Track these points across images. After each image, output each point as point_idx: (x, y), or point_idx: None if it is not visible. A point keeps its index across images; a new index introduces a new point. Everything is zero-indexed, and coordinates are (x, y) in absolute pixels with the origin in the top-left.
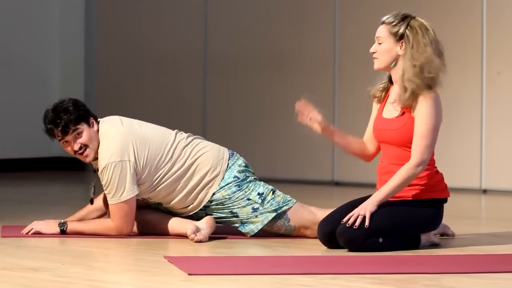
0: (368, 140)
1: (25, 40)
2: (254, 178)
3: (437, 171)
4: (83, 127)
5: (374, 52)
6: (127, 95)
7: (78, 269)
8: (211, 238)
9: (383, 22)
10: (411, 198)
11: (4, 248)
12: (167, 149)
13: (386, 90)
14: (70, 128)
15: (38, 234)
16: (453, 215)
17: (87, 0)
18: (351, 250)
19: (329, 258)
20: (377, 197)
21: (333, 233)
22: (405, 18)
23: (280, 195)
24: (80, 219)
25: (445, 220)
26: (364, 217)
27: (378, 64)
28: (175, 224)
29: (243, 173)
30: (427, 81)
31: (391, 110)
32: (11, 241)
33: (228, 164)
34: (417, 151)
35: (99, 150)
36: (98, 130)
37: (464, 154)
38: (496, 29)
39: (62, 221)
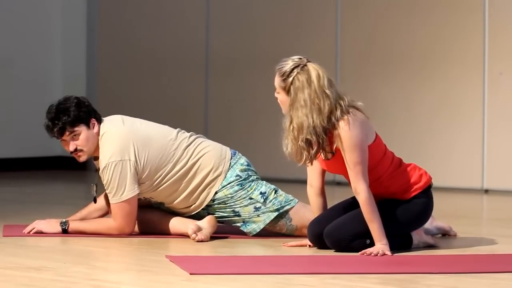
0: (314, 180)
1: (27, 40)
2: (256, 178)
3: (406, 167)
4: (81, 129)
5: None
6: (129, 95)
7: (79, 269)
8: (212, 237)
9: (277, 71)
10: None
11: (5, 247)
12: (168, 149)
13: None
14: (67, 130)
15: (39, 233)
16: (455, 215)
17: (89, 0)
18: (338, 251)
19: (331, 258)
20: (380, 237)
21: (322, 234)
22: (294, 69)
23: (282, 195)
24: (82, 218)
25: (447, 221)
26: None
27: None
28: (176, 224)
29: (245, 172)
30: (306, 141)
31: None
32: (12, 241)
33: (230, 163)
34: (356, 182)
35: (100, 150)
36: (98, 131)
37: (466, 154)
38: (498, 29)
39: (64, 220)
